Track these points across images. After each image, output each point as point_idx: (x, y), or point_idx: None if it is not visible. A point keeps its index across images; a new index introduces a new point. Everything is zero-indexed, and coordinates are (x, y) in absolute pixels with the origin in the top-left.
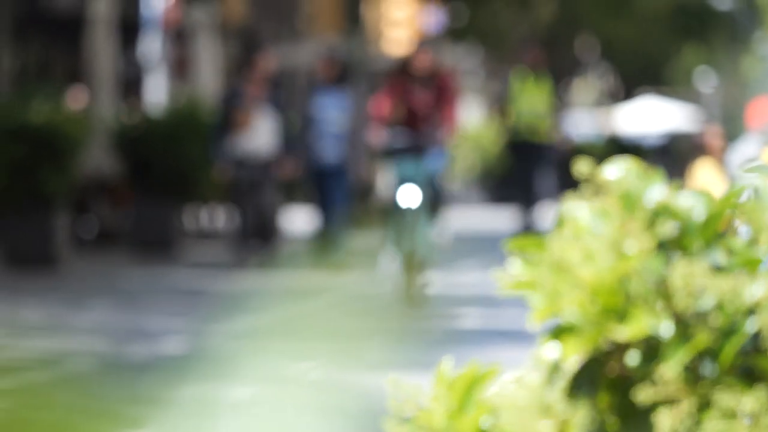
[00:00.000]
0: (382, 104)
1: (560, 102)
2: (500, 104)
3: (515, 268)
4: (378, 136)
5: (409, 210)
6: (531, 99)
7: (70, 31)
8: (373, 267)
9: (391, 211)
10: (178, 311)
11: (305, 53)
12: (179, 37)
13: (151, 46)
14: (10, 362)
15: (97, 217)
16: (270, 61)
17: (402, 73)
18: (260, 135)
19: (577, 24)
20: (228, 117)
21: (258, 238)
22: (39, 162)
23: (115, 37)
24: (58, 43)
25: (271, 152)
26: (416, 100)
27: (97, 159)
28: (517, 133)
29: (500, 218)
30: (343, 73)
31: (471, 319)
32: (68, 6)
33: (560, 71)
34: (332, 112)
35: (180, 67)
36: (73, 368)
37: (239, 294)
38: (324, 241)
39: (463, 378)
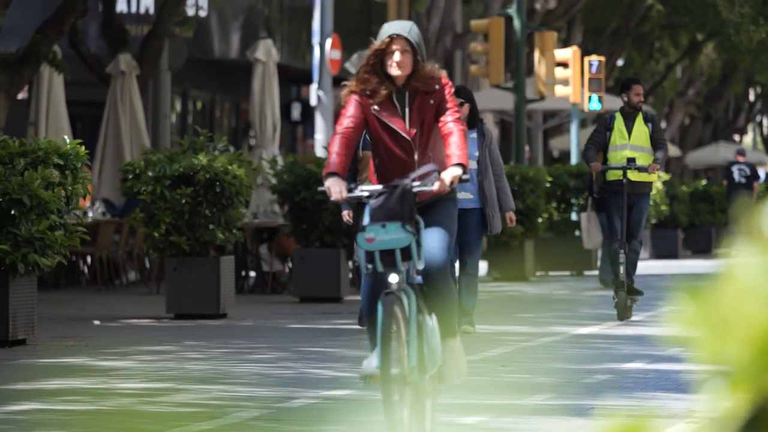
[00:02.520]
0: None
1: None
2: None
3: (684, 315)
4: None
5: None
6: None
7: (236, 77)
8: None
9: None
10: (343, 359)
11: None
12: (341, 83)
13: (317, 93)
14: (177, 412)
15: (260, 265)
16: None
17: None
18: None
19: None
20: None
21: None
22: (205, 210)
23: (280, 83)
24: (224, 89)
25: None
26: None
27: (261, 206)
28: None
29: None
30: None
31: (634, 363)
32: (234, 53)
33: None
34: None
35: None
36: (239, 416)
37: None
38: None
39: (620, 429)
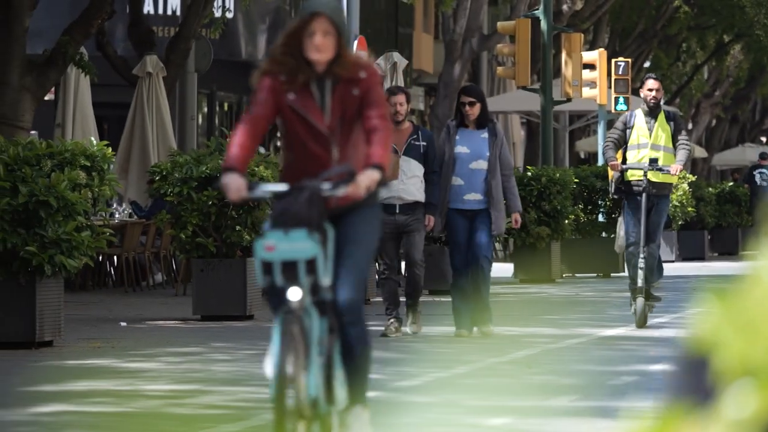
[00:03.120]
0: None
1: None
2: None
3: (710, 317)
4: None
5: None
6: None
7: None
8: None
9: None
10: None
11: (497, 102)
12: None
13: None
14: (204, 413)
15: None
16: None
17: None
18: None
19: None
20: None
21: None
22: (232, 211)
23: None
24: (250, 91)
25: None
26: None
27: None
28: None
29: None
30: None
31: (661, 365)
32: (261, 54)
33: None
34: None
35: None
36: (265, 418)
37: (422, 347)
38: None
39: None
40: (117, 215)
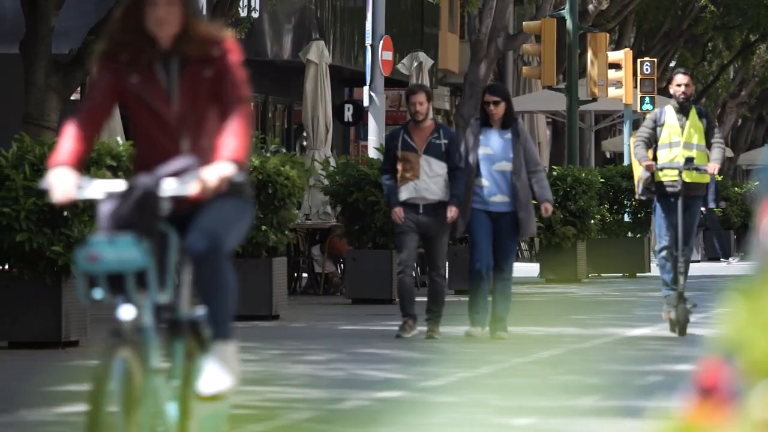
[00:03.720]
0: None
1: None
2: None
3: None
4: None
5: None
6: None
7: (289, 78)
8: None
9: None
10: (395, 361)
11: (522, 102)
12: (393, 85)
13: (369, 94)
14: (229, 413)
15: (313, 267)
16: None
17: None
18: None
19: None
20: None
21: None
22: (258, 211)
23: (332, 84)
24: (276, 91)
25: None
26: None
27: (313, 207)
28: None
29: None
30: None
31: (687, 365)
32: (287, 54)
33: None
34: None
35: (396, 115)
36: (291, 418)
37: (447, 347)
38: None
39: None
40: None
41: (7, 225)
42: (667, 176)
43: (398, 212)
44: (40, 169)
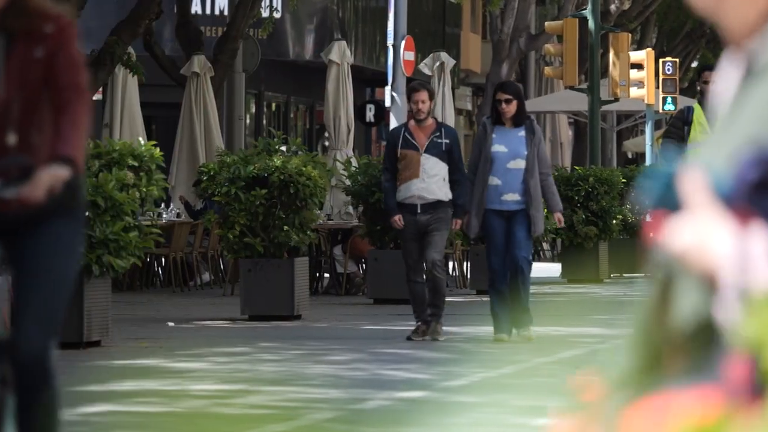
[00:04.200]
0: None
1: None
2: None
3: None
4: None
5: None
6: None
7: (310, 78)
8: None
9: None
10: (417, 360)
11: (543, 102)
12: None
13: (391, 94)
14: (251, 413)
15: (335, 267)
16: None
17: None
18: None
19: None
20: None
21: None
22: (280, 211)
23: (354, 84)
24: (298, 91)
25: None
26: None
27: (335, 207)
28: None
29: None
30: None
31: None
32: (309, 54)
33: None
34: None
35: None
36: (312, 418)
37: (469, 347)
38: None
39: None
40: (165, 215)
41: None
42: None
43: (397, 221)
44: None
